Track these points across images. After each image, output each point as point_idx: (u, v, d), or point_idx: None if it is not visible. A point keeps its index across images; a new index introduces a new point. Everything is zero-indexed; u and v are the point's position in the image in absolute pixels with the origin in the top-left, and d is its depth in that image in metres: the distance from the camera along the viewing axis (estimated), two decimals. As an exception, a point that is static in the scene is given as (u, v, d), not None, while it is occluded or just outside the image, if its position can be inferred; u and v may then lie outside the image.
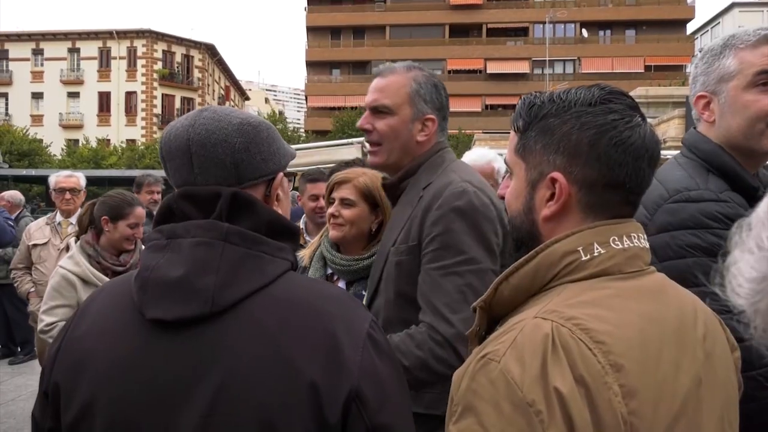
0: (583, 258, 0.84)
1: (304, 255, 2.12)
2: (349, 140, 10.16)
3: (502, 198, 1.06)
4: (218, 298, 0.86)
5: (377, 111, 1.67)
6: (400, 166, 1.69)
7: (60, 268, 2.76)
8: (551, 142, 0.89)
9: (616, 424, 0.72)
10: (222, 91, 52.96)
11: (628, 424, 0.72)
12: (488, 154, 2.97)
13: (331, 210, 1.99)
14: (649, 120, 0.91)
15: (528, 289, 0.87)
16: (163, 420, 0.85)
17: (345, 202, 1.98)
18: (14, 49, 44.41)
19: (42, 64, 44.26)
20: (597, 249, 0.85)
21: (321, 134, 36.28)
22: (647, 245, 0.90)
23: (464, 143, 34.24)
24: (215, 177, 0.95)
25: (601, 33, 44.99)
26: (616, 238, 0.86)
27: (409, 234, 1.56)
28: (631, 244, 0.86)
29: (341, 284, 2.03)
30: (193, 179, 0.96)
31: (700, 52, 1.52)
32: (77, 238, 2.92)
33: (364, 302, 1.91)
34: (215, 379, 0.84)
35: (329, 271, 2.05)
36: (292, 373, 0.84)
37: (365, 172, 2.06)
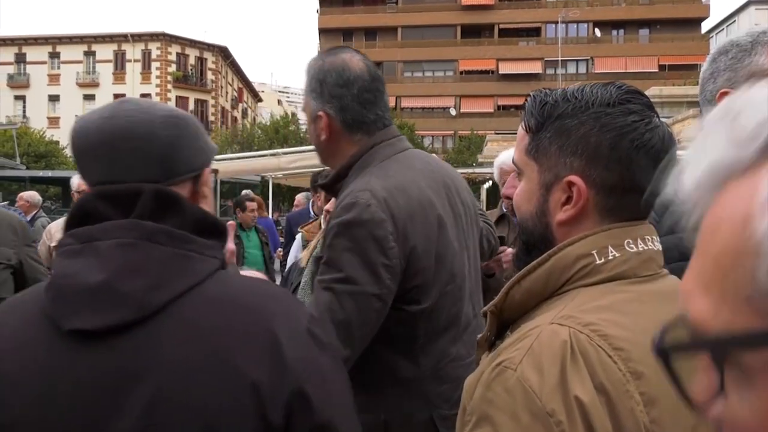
0: (598, 261, 0.82)
1: (303, 257, 2.12)
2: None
3: (508, 198, 1.02)
4: (147, 301, 0.80)
5: None
6: (334, 168, 1.57)
7: None
8: (568, 144, 0.85)
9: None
10: (235, 93, 53.26)
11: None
12: None
13: (327, 206, 2.00)
14: (663, 120, 0.89)
15: (540, 294, 0.85)
16: None
17: None
18: (31, 53, 45.02)
19: (58, 67, 44.84)
20: (611, 252, 0.82)
21: (333, 135, 36.26)
22: (660, 248, 0.88)
23: (476, 144, 34.17)
24: (141, 172, 0.89)
25: (615, 32, 44.67)
26: (631, 241, 0.84)
27: (322, 245, 1.46)
28: (645, 247, 0.84)
29: None
30: (114, 175, 0.89)
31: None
32: None
33: None
34: (149, 388, 0.79)
35: None
36: (232, 374, 0.80)
37: None
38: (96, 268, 0.81)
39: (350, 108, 1.46)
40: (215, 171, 1.33)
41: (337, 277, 1.33)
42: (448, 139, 43.32)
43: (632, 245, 0.83)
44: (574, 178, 0.84)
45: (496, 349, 0.85)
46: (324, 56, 1.52)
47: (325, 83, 1.47)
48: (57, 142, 36.04)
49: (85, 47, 44.78)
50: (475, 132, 36.96)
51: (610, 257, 0.82)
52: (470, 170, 20.57)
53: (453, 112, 43.37)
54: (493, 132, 29.28)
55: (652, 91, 22.81)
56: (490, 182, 18.84)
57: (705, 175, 0.41)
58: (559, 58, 38.41)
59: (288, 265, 3.97)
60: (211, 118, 45.51)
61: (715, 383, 0.38)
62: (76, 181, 4.24)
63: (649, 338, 0.68)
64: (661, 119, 0.87)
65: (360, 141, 1.49)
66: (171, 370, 0.80)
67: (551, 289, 0.84)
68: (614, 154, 0.83)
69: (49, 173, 22.84)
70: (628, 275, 0.82)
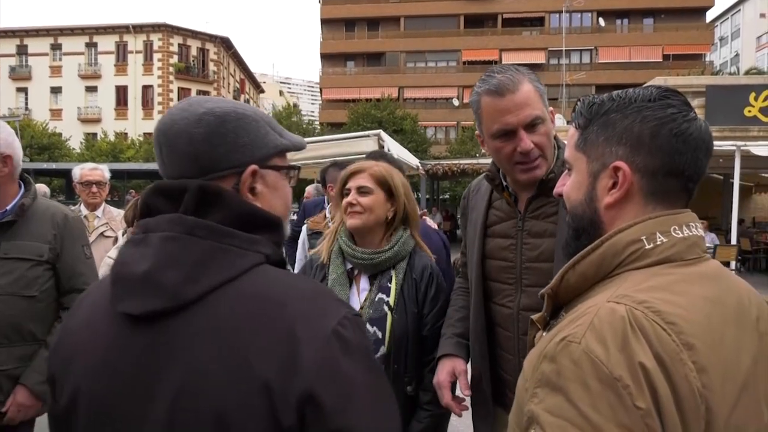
0: (647, 246, 0.90)
1: (321, 251, 2.12)
2: (366, 132, 10.19)
3: (560, 196, 1.09)
4: (180, 293, 0.85)
5: (532, 125, 1.61)
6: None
7: (107, 257, 2.91)
8: (613, 135, 0.96)
9: (693, 397, 0.77)
10: (237, 84, 53.17)
11: (703, 398, 0.78)
12: None
13: (348, 199, 2.00)
14: None
15: (593, 277, 0.93)
16: (136, 414, 0.85)
17: (361, 190, 1.99)
18: (33, 45, 44.94)
19: (60, 59, 44.76)
20: (659, 238, 0.91)
21: (336, 126, 36.29)
22: (703, 234, 0.96)
23: (479, 135, 33.97)
24: (180, 168, 0.94)
25: (619, 22, 44.33)
26: (677, 228, 0.92)
27: None
28: (690, 233, 0.92)
29: (364, 279, 2.02)
30: (165, 170, 0.97)
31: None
32: (123, 232, 3.06)
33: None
34: (175, 376, 0.83)
35: (349, 266, 2.03)
36: (246, 371, 0.81)
37: (378, 162, 2.09)
38: (144, 258, 0.88)
39: None
40: (293, 167, 1.14)
41: None
42: (451, 130, 43.21)
43: (678, 231, 0.92)
44: (619, 163, 0.94)
45: (551, 328, 0.92)
46: (521, 69, 1.66)
47: None
48: (60, 134, 36.09)
49: (86, 39, 44.68)
50: (478, 123, 36.80)
51: (659, 242, 0.91)
52: (473, 161, 20.52)
53: (456, 102, 43.17)
54: (496, 123, 29.09)
55: (657, 81, 22.60)
56: (493, 173, 18.75)
57: None
58: (563, 48, 38.19)
59: (297, 256, 3.99)
60: (214, 109, 45.36)
61: None
62: (78, 172, 4.16)
63: (698, 315, 0.83)
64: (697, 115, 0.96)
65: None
66: (194, 363, 0.83)
67: (603, 272, 0.93)
68: (655, 142, 0.92)
69: (53, 165, 22.88)
70: (675, 259, 0.90)
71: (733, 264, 12.03)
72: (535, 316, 1.03)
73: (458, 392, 1.84)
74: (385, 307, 1.92)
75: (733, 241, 12.48)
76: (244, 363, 0.82)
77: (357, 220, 1.98)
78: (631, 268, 0.90)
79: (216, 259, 0.88)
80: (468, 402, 1.85)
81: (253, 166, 0.97)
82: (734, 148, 11.44)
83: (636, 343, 0.78)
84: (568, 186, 1.04)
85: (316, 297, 0.92)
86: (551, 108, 1.71)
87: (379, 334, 1.88)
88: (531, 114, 1.60)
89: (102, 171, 4.14)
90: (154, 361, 0.85)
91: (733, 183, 11.99)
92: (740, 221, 14.69)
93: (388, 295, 1.94)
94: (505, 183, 1.78)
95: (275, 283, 0.91)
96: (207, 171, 0.94)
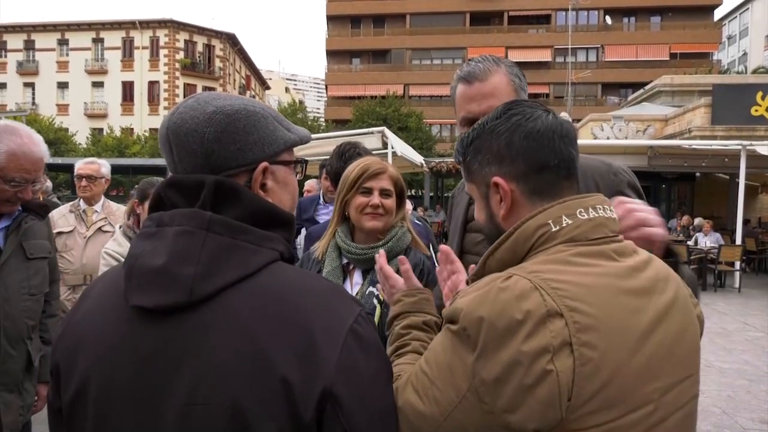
0: (553, 229, 0.98)
1: (318, 246, 2.13)
2: (370, 129, 10.20)
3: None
4: (197, 287, 0.86)
5: None
6: None
7: (105, 251, 2.96)
8: (483, 158, 1.08)
9: (567, 351, 0.83)
10: (243, 81, 53.22)
11: (577, 351, 0.83)
12: None
13: (374, 201, 2.00)
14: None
15: (510, 262, 1.00)
16: (148, 405, 0.86)
17: (384, 192, 2.01)
18: (40, 40, 45.15)
19: (67, 54, 44.96)
20: (565, 220, 0.98)
21: (341, 123, 36.30)
22: (614, 215, 1.03)
23: (485, 132, 33.83)
24: (191, 166, 0.95)
25: (626, 20, 44.14)
26: (583, 210, 0.99)
27: None
28: (597, 215, 0.99)
29: (357, 273, 2.04)
30: (174, 167, 0.97)
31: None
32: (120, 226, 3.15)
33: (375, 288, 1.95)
34: (192, 370, 0.84)
35: (344, 260, 2.05)
36: (265, 368, 0.83)
37: (386, 163, 2.10)
38: (160, 252, 0.88)
39: None
40: (301, 162, 1.15)
41: None
42: (456, 128, 43.00)
43: (584, 213, 0.99)
44: (496, 179, 1.05)
45: None
46: (500, 59, 1.69)
47: (523, 75, 1.73)
48: (66, 129, 36.23)
49: (93, 34, 44.84)
50: (483, 120, 36.72)
51: (564, 224, 0.98)
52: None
53: (461, 100, 43.07)
54: (501, 120, 29.01)
55: (663, 80, 22.44)
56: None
57: None
58: (569, 46, 38.02)
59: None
60: (219, 105, 45.46)
61: None
62: (76, 166, 4.11)
63: (587, 280, 0.90)
64: (549, 111, 1.07)
65: None
66: (211, 357, 0.84)
67: (519, 256, 1.00)
68: (512, 150, 1.03)
69: (59, 160, 22.95)
70: (581, 239, 0.97)
71: (737, 264, 11.98)
72: None
73: None
74: (375, 300, 1.92)
75: (738, 241, 12.43)
76: (262, 358, 0.83)
77: (380, 222, 2.00)
78: (541, 250, 0.98)
79: (232, 255, 0.89)
80: None
81: (264, 163, 0.98)
82: (740, 147, 11.38)
83: (523, 301, 0.85)
84: (476, 212, 1.15)
85: (331, 295, 0.94)
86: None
87: None
88: (494, 106, 1.57)
89: (98, 166, 4.07)
90: (169, 354, 0.86)
91: (739, 183, 11.93)
92: (746, 221, 14.63)
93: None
94: None
95: (291, 281, 0.92)
96: (219, 169, 0.94)
